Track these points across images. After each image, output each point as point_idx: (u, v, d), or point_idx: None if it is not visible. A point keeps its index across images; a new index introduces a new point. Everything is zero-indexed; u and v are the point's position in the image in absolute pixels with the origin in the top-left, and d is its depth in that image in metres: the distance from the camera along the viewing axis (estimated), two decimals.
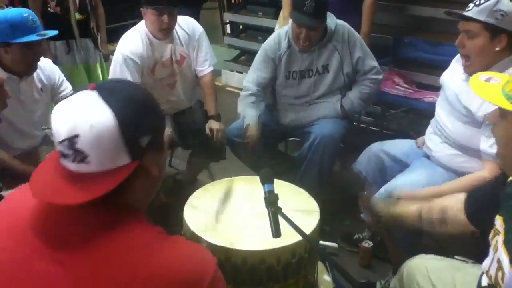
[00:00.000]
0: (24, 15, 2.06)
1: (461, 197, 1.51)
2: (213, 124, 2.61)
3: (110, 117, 0.86)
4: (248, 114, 2.55)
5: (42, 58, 2.31)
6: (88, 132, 0.84)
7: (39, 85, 2.25)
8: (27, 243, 0.89)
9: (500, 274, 1.16)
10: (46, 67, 2.30)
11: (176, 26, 2.59)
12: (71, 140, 0.85)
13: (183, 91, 2.74)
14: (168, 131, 2.48)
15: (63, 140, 0.86)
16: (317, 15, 2.37)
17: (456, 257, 1.67)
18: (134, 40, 2.53)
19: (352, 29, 2.60)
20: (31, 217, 0.92)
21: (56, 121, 0.88)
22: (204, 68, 2.71)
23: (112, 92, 0.90)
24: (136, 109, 0.90)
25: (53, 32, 2.17)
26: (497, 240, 1.21)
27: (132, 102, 0.91)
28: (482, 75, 1.19)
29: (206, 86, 2.72)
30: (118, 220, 0.90)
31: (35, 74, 2.22)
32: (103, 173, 0.87)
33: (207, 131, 2.61)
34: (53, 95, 2.35)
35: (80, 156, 0.86)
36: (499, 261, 1.17)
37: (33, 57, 2.13)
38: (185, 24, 2.66)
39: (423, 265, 1.56)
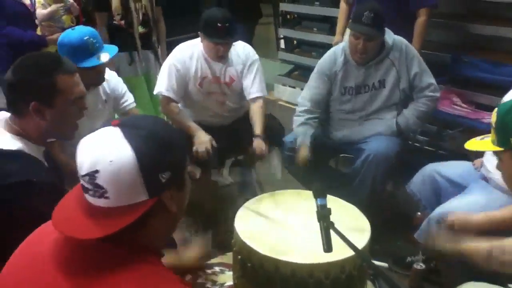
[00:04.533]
0: (85, 38, 2.06)
1: None
2: (257, 144, 2.53)
3: (129, 153, 0.87)
4: (301, 133, 2.57)
5: (107, 70, 2.43)
6: (107, 167, 0.86)
7: (103, 97, 2.36)
8: (44, 277, 0.91)
9: None
10: (112, 79, 2.41)
11: (232, 49, 2.65)
12: (92, 175, 0.87)
13: (232, 108, 2.80)
14: (207, 143, 2.47)
15: (85, 175, 0.88)
16: (375, 25, 2.40)
17: (509, 285, 1.60)
18: (185, 51, 2.62)
19: (410, 45, 2.58)
20: (51, 251, 0.93)
21: (80, 155, 0.91)
22: (253, 96, 2.68)
23: (133, 128, 0.91)
24: (157, 145, 0.90)
25: (114, 51, 2.18)
26: None
27: (153, 138, 0.91)
28: (477, 137, 1.53)
29: (253, 111, 2.65)
30: (130, 259, 0.89)
31: (100, 87, 2.33)
32: (121, 208, 0.88)
33: (252, 149, 2.55)
34: (116, 106, 2.46)
35: (99, 191, 0.87)
36: None
37: (97, 75, 2.19)
38: (241, 49, 2.71)
39: None
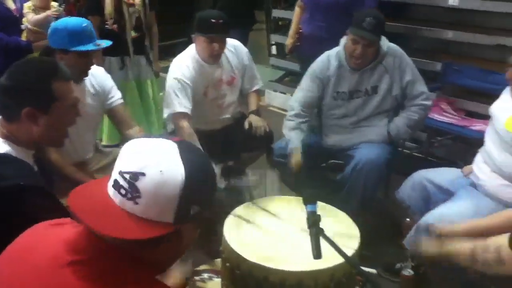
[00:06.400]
0: (83, 25, 2.14)
1: None
2: (252, 118, 2.68)
3: (180, 172, 0.86)
4: (293, 138, 2.57)
5: (95, 66, 2.40)
6: (154, 176, 0.85)
7: (91, 91, 2.31)
8: (51, 279, 0.88)
9: None
10: (99, 74, 2.35)
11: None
12: (136, 175, 0.85)
13: (230, 109, 2.81)
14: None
15: (128, 172, 0.86)
16: (375, 31, 2.42)
17: None
18: (185, 65, 2.60)
19: (404, 53, 2.59)
20: (57, 252, 0.90)
21: (130, 152, 0.89)
22: (252, 87, 2.84)
23: (191, 152, 0.92)
24: (204, 178, 0.92)
25: (108, 43, 2.25)
26: None
27: (204, 170, 0.93)
28: None
29: (251, 95, 2.86)
30: (133, 274, 0.88)
31: (87, 80, 2.28)
32: (144, 220, 0.86)
33: (246, 125, 2.67)
34: (104, 101, 2.38)
35: (133, 194, 0.85)
36: None
37: (86, 65, 2.19)
38: (232, 46, 2.73)
39: None
